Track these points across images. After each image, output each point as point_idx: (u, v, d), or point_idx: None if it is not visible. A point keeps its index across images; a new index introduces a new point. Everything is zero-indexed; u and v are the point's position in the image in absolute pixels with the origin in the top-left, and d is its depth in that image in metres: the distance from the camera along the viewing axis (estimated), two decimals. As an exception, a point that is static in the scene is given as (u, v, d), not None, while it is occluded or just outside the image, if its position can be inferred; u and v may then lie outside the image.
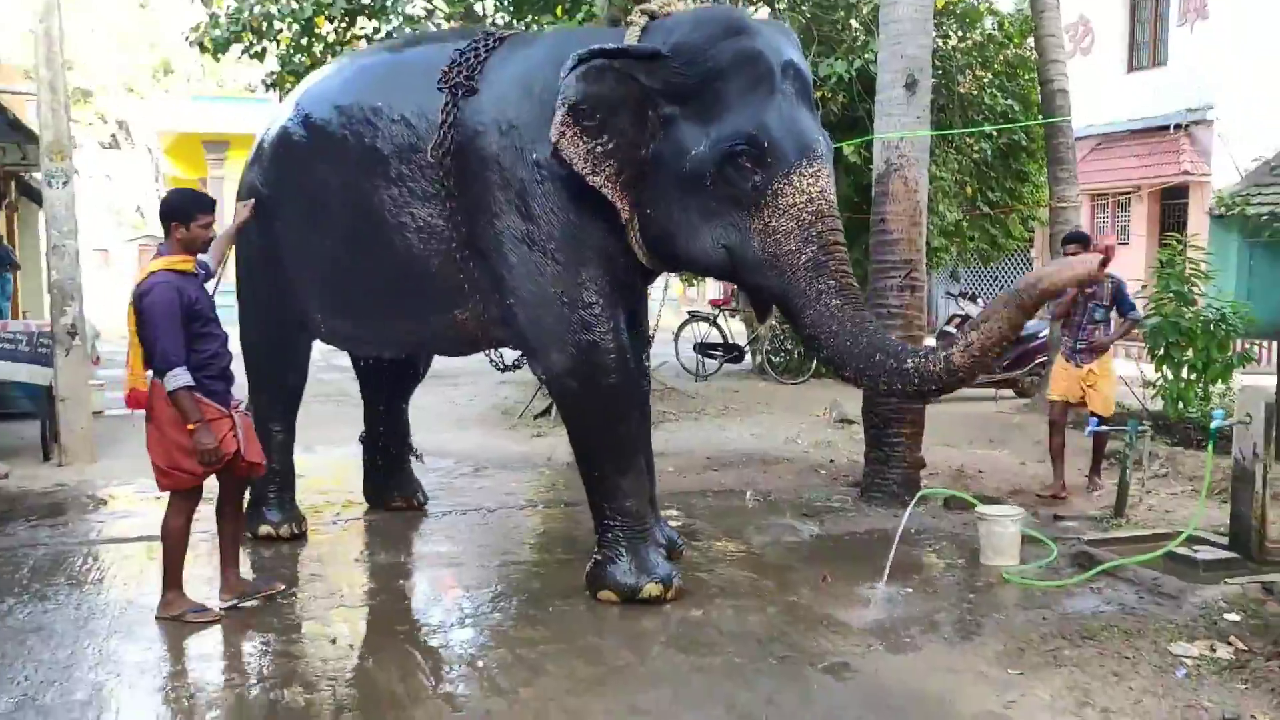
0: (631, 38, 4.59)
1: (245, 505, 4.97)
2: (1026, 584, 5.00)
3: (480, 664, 4.04)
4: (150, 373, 4.42)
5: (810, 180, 4.28)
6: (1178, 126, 15.25)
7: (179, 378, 4.29)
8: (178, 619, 4.44)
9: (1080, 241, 7.03)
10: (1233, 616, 4.44)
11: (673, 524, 5.92)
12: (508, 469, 7.60)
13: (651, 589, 4.62)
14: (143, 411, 4.49)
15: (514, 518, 6.33)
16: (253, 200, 5.25)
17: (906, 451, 6.63)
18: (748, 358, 13.54)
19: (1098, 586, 4.94)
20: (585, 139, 4.35)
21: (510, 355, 5.65)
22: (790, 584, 4.98)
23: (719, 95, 4.32)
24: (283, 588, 4.84)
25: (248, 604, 4.65)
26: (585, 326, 4.60)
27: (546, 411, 9.65)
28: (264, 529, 5.72)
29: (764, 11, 11.36)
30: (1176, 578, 4.91)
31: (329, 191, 5.15)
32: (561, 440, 8.07)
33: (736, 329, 14.09)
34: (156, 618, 4.48)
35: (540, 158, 4.58)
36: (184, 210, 4.47)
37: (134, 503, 6.74)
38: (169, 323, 4.30)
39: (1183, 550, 5.19)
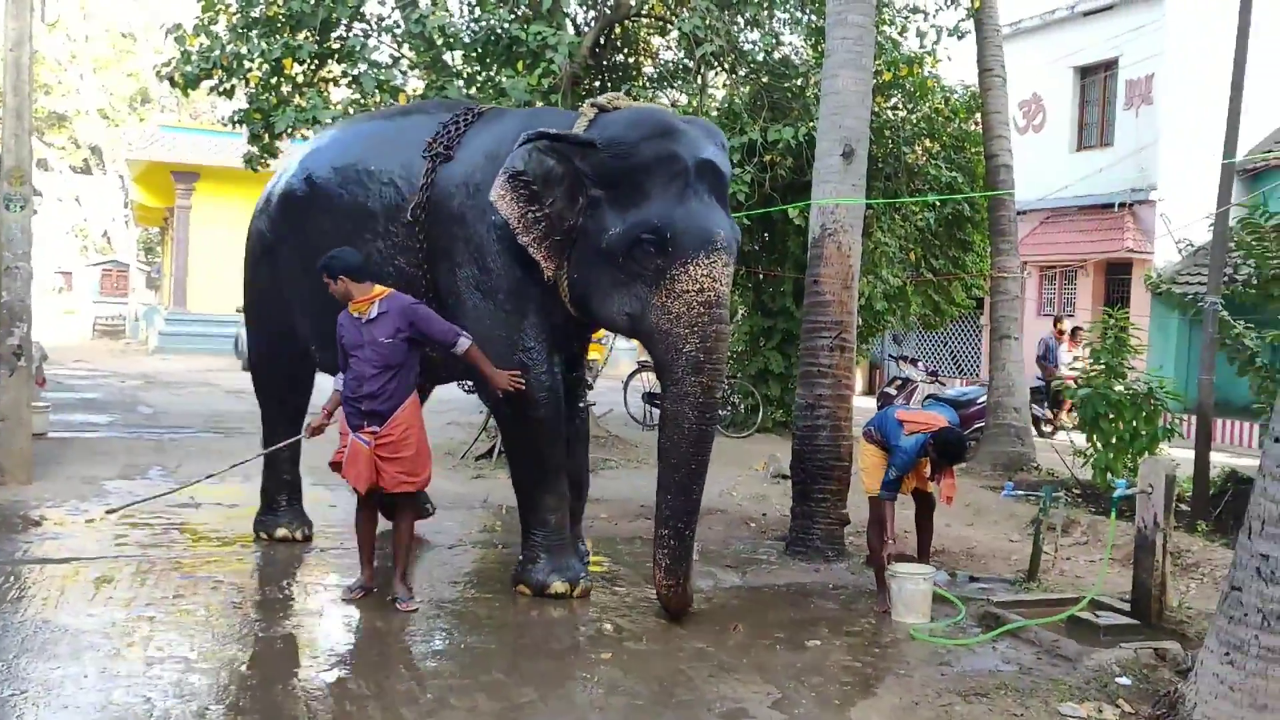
0: (580, 126, 5.28)
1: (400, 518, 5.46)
2: (932, 641, 5.15)
3: (386, 696, 4.13)
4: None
5: (704, 270, 4.97)
6: (1122, 205, 15.78)
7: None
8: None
9: None
10: (1124, 680, 4.59)
11: (597, 569, 6.12)
12: (442, 508, 7.68)
13: (558, 586, 5.42)
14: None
15: (441, 555, 6.43)
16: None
17: (831, 508, 6.81)
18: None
19: (1000, 647, 5.09)
20: (520, 204, 5.09)
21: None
22: (701, 632, 5.11)
23: (639, 186, 5.05)
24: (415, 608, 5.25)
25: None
26: (521, 366, 5.34)
27: (488, 454, 9.76)
28: (280, 532, 6.51)
29: (722, 78, 11.73)
30: (1076, 641, 5.06)
31: (328, 241, 5.62)
32: (499, 483, 8.23)
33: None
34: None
35: (498, 220, 5.25)
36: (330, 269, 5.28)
37: (64, 524, 6.79)
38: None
39: (1085, 615, 5.37)
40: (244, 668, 4.39)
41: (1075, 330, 13.51)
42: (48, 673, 4.18)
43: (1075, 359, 10.01)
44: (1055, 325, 14.35)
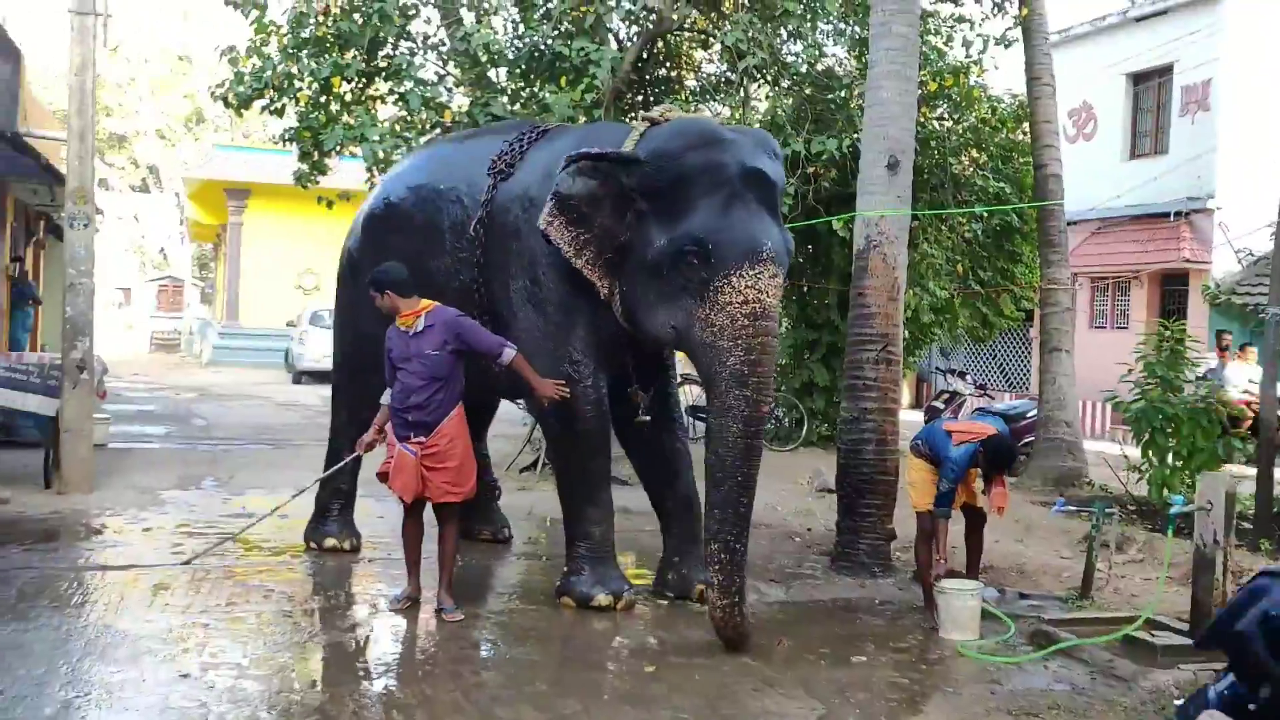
0: (631, 141, 5.26)
1: (445, 527, 5.43)
2: (981, 659, 5.05)
3: (431, 705, 4.18)
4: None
5: (749, 282, 4.85)
6: (1178, 214, 15.48)
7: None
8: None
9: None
10: (1182, 703, 4.48)
11: (640, 582, 6.08)
12: (489, 521, 7.73)
13: (602, 599, 5.43)
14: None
15: (486, 567, 6.49)
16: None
17: (878, 522, 6.73)
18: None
19: (1052, 665, 4.98)
20: (570, 228, 5.14)
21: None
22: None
23: (684, 197, 4.98)
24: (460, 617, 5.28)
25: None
26: (568, 378, 5.38)
27: (533, 466, 9.82)
28: (329, 542, 6.57)
29: (765, 90, 11.73)
30: (1132, 661, 4.93)
31: (402, 258, 5.73)
32: (544, 495, 8.26)
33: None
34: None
35: None
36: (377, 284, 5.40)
37: (124, 532, 6.99)
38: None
39: (1141, 634, 5.18)
40: (294, 674, 4.47)
41: (1244, 346, 11.79)
42: (109, 675, 4.30)
43: (1251, 380, 9.00)
44: (1217, 343, 12.48)
